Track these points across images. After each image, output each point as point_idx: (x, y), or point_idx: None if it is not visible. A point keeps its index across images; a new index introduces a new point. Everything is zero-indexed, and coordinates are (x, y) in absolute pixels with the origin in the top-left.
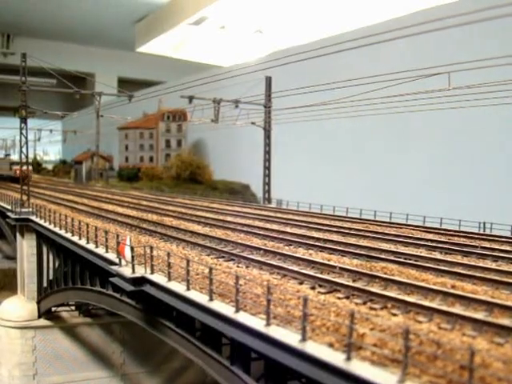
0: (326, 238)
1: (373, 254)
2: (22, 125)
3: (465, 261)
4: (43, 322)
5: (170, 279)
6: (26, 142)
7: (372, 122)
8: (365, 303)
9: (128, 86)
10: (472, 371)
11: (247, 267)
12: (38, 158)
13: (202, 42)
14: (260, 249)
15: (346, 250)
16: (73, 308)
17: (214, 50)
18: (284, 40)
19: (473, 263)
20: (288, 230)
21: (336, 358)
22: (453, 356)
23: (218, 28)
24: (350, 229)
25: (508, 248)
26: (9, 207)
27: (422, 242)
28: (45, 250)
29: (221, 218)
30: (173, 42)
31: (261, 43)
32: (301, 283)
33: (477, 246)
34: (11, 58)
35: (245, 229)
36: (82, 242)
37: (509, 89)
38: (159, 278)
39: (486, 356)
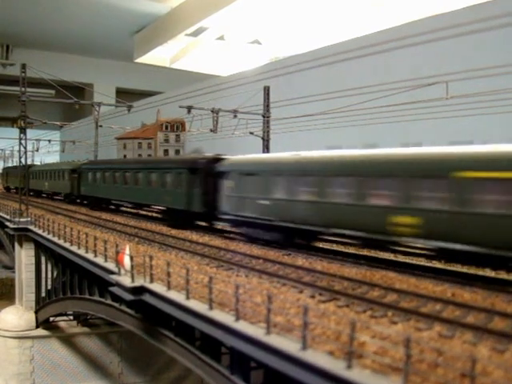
0: (324, 247)
1: (372, 263)
2: (22, 135)
3: (464, 269)
4: (41, 331)
5: (169, 288)
6: (25, 152)
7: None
8: (365, 311)
9: (126, 96)
10: (473, 379)
11: (247, 276)
12: None
13: (200, 52)
14: (259, 258)
15: (346, 259)
16: (71, 318)
17: (213, 61)
18: (282, 50)
19: (472, 272)
20: None
21: (337, 366)
22: (454, 364)
23: (216, 39)
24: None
25: None
26: (7, 217)
27: (420, 252)
28: (43, 259)
29: (219, 227)
30: (171, 53)
31: (259, 53)
32: (300, 292)
33: None
34: (10, 68)
35: (244, 238)
36: (81, 252)
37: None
38: (159, 288)
39: (487, 363)
